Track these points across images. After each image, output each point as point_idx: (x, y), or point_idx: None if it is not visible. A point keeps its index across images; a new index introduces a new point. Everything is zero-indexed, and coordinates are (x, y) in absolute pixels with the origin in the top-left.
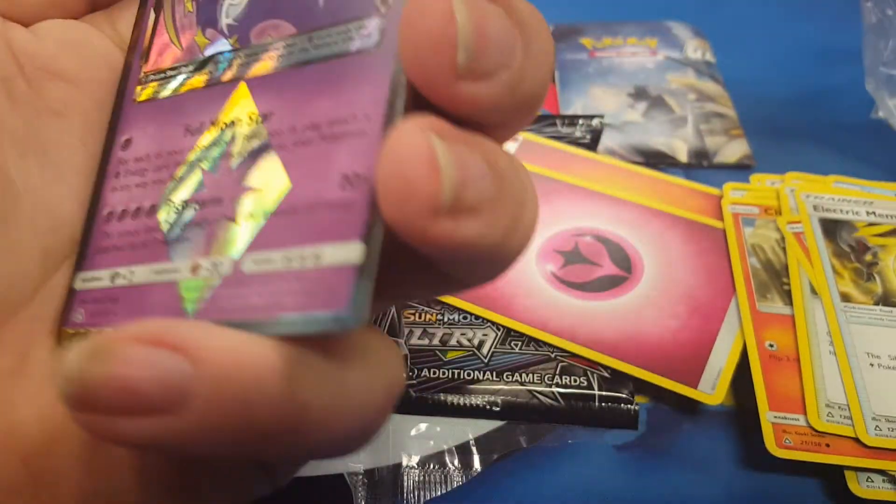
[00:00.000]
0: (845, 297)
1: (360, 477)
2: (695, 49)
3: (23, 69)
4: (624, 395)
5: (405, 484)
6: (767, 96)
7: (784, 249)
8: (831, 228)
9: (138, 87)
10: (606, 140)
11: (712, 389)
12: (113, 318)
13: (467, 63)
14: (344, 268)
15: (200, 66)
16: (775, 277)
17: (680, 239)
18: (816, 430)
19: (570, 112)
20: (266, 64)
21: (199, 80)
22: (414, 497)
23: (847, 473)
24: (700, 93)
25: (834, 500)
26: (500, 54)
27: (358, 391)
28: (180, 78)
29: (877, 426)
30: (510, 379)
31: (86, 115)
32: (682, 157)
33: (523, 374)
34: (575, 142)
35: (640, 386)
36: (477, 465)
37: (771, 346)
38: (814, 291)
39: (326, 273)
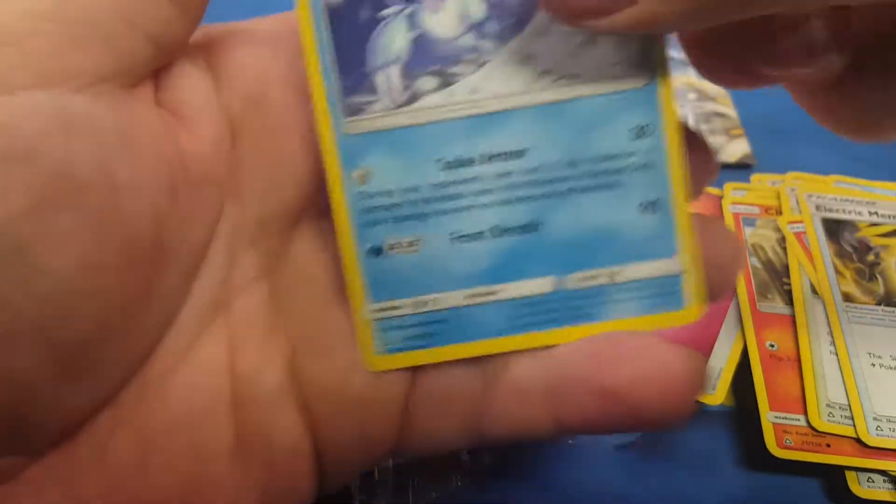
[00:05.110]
0: (847, 297)
1: (358, 476)
2: None
3: (187, 175)
4: None
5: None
6: (768, 95)
7: (784, 249)
8: (833, 228)
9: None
10: None
11: (713, 389)
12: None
13: None
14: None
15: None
16: (776, 277)
17: None
18: (817, 431)
19: None
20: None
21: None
22: (412, 497)
23: (848, 474)
24: (700, 92)
25: (834, 500)
26: None
27: None
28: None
29: (878, 426)
30: None
31: (229, 217)
32: None
33: None
34: None
35: None
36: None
37: (771, 346)
38: (815, 291)
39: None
